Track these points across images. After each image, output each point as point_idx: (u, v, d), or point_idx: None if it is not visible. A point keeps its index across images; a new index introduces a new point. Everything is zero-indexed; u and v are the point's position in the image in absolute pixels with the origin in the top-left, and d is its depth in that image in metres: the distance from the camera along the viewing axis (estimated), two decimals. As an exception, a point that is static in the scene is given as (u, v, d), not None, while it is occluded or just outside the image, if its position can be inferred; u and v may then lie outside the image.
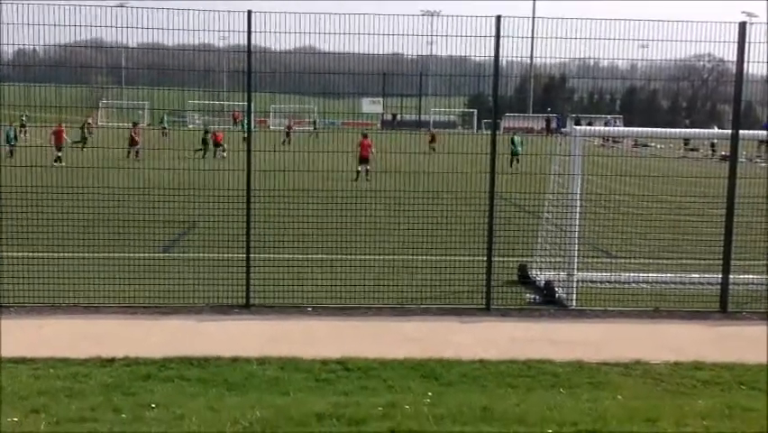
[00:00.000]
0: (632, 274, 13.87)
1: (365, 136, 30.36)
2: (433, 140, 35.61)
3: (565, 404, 7.90)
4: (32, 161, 12.91)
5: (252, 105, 12.55)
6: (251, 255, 12.27)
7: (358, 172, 28.06)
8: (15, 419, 7.12)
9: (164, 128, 33.92)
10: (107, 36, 13.04)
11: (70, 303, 11.87)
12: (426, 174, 13.74)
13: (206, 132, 38.05)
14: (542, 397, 8.28)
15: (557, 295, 12.84)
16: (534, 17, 12.78)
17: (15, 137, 32.78)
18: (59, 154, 30.51)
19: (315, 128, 40.29)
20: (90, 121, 33.25)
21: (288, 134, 33.91)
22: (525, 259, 13.92)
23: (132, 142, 31.20)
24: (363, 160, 28.82)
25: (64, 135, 32.43)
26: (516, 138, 35.58)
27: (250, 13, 11.74)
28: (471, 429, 6.99)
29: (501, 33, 12.03)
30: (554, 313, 12.34)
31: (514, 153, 30.62)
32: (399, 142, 14.48)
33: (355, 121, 42.78)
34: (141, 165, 13.15)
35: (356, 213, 13.12)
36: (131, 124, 35.55)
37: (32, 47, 12.47)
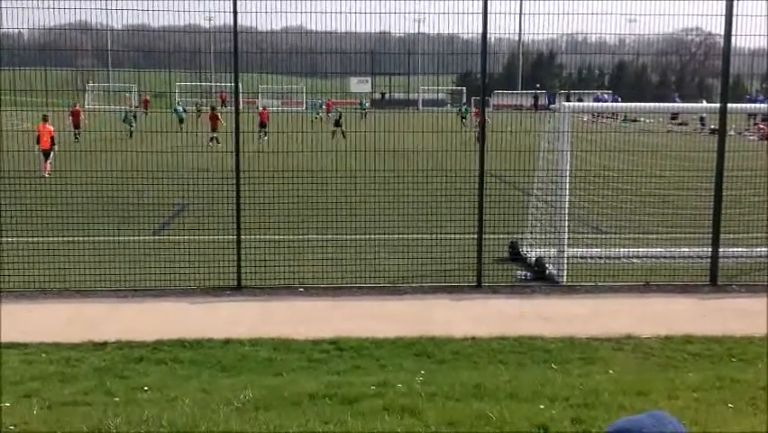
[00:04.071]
0: (622, 249, 13.91)
1: (478, 107, 36.29)
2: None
3: (557, 379, 7.94)
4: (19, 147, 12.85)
5: (240, 85, 12.49)
6: (242, 237, 12.27)
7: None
8: (8, 404, 7.11)
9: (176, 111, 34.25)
10: (93, 18, 12.94)
11: (61, 288, 11.85)
12: (416, 153, 13.70)
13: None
14: (533, 373, 8.32)
15: (548, 271, 12.87)
16: (521, -6, 12.71)
17: (135, 117, 32.88)
18: (77, 131, 30.43)
19: (363, 109, 41.31)
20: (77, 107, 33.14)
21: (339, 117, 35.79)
22: (515, 236, 13.94)
23: (214, 127, 31.27)
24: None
25: (81, 116, 32.43)
26: (464, 109, 48.91)
27: (235, -8, 11.65)
28: (464, 406, 7.01)
29: (489, 10, 12.00)
30: (545, 289, 12.39)
31: (463, 116, 43.77)
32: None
33: (342, 100, 42.86)
34: (133, 148, 13.02)
35: (347, 193, 13.09)
36: (209, 108, 35.46)
37: (17, 30, 12.37)
